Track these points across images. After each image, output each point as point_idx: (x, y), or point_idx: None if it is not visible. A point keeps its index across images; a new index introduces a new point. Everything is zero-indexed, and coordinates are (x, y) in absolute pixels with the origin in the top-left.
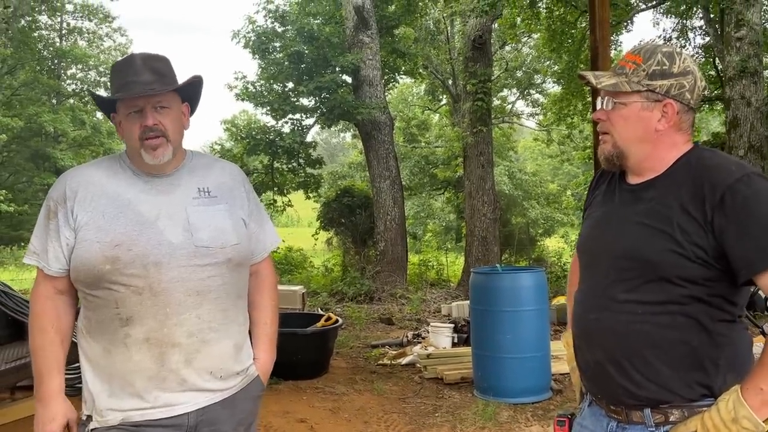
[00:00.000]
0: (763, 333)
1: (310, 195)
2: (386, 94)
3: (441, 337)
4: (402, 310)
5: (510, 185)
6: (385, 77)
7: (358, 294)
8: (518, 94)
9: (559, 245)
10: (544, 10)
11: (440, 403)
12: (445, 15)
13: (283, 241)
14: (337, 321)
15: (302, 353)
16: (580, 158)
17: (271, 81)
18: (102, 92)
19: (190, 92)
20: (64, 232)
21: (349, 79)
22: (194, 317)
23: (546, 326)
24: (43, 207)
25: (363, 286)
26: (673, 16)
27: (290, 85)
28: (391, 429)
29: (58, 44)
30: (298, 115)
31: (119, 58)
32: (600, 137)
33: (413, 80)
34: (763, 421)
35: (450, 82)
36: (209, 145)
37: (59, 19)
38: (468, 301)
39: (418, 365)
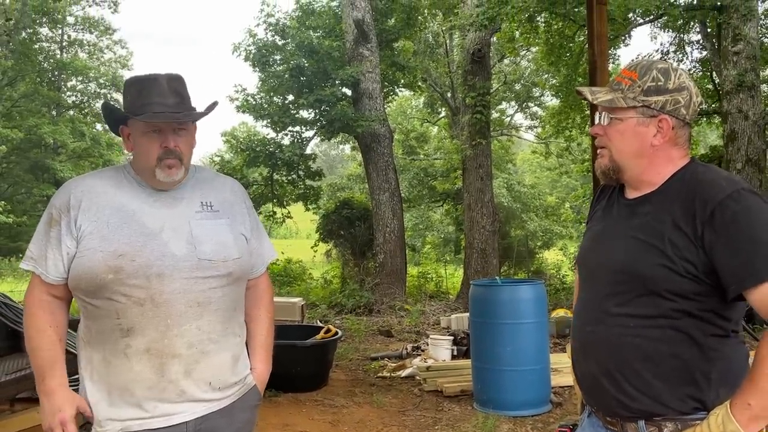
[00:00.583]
0: None
1: (310, 207)
2: (386, 106)
3: (440, 349)
4: (401, 323)
5: (509, 198)
6: (385, 90)
7: (357, 306)
8: (517, 106)
9: (558, 258)
10: (543, 24)
11: (440, 416)
12: (444, 29)
13: (282, 252)
14: (336, 333)
15: (302, 365)
16: (578, 171)
17: (272, 93)
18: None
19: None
20: (66, 240)
21: (348, 92)
22: (194, 328)
23: (545, 339)
24: (44, 214)
25: (362, 298)
26: (671, 30)
27: (290, 97)
28: None
29: (58, 56)
30: (297, 128)
31: (134, 74)
32: (597, 151)
33: (412, 93)
34: None
35: (449, 94)
36: (209, 156)
37: (60, 32)
38: (467, 314)
39: (418, 378)
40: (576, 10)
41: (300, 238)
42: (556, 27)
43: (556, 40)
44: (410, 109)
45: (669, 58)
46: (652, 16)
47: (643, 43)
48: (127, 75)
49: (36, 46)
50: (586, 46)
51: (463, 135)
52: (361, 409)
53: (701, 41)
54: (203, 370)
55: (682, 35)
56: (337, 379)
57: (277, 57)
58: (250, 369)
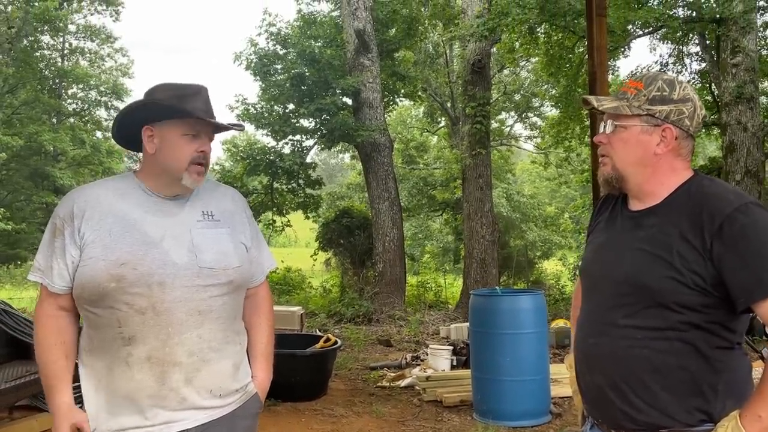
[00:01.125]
0: (762, 358)
1: (309, 215)
2: (386, 116)
3: (440, 359)
4: (400, 332)
5: (508, 207)
6: (385, 99)
7: (356, 315)
8: (516, 117)
9: (557, 268)
10: (543, 36)
11: (439, 426)
12: (444, 39)
13: (282, 261)
14: (336, 342)
15: (301, 375)
16: (577, 181)
17: (272, 102)
18: (102, 112)
19: None
20: (70, 250)
21: (349, 101)
22: (195, 337)
23: (545, 349)
24: (49, 224)
25: (361, 308)
26: (670, 42)
27: (291, 106)
28: None
29: (59, 64)
30: (298, 137)
31: (165, 81)
32: (600, 160)
33: (412, 103)
34: None
35: (449, 104)
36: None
37: (61, 39)
38: (466, 323)
39: (417, 388)
40: (576, 21)
41: (299, 247)
42: (555, 38)
43: (556, 51)
44: (410, 118)
45: (668, 70)
46: (651, 28)
47: (642, 54)
48: (127, 83)
49: (37, 54)
50: (586, 57)
51: (463, 145)
52: (361, 419)
53: (700, 53)
54: (204, 377)
55: (681, 47)
56: (336, 389)
57: (278, 66)
58: (251, 377)
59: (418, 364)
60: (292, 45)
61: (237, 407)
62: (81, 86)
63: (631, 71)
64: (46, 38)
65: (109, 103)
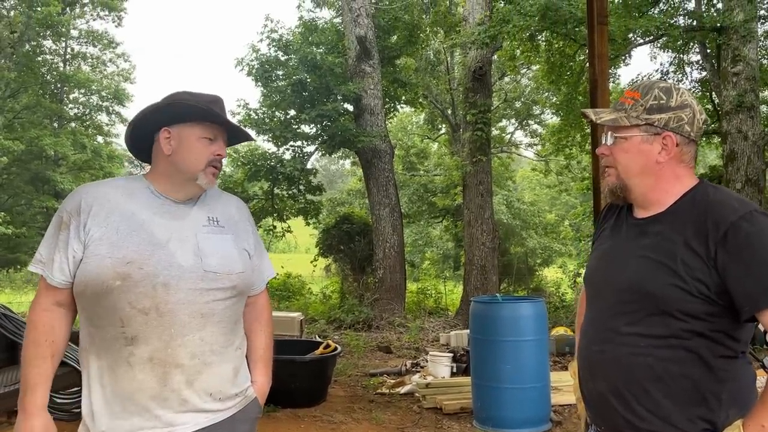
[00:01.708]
0: (763, 366)
1: (310, 221)
2: (387, 122)
3: (440, 366)
4: (400, 339)
5: (508, 215)
6: (386, 106)
7: (356, 321)
8: (517, 124)
9: (557, 275)
10: (544, 43)
11: None
12: (445, 46)
13: (282, 267)
14: (335, 349)
15: (300, 381)
16: (578, 189)
17: (274, 108)
18: (103, 117)
19: None
20: (73, 244)
21: (350, 108)
22: (197, 339)
23: (546, 356)
24: (54, 217)
25: (361, 314)
26: (670, 50)
27: (292, 112)
28: None
29: (61, 69)
30: (299, 142)
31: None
32: (605, 171)
33: (413, 109)
34: None
35: (449, 111)
36: None
37: (64, 44)
38: (466, 330)
39: (417, 395)
40: (577, 29)
41: (299, 253)
42: (557, 46)
43: (557, 58)
44: (411, 125)
45: (668, 79)
46: (651, 37)
47: (642, 63)
48: (129, 88)
49: (39, 59)
50: (587, 65)
51: (463, 152)
52: (360, 425)
53: (701, 62)
54: (205, 380)
55: (681, 56)
56: (335, 395)
57: (280, 72)
58: (251, 382)
59: (418, 371)
60: (294, 51)
61: (237, 411)
62: (82, 91)
63: (632, 79)
64: (48, 43)
65: (111, 108)
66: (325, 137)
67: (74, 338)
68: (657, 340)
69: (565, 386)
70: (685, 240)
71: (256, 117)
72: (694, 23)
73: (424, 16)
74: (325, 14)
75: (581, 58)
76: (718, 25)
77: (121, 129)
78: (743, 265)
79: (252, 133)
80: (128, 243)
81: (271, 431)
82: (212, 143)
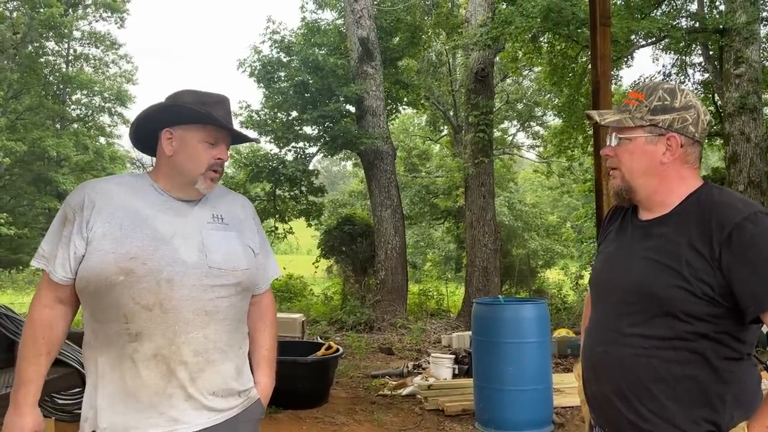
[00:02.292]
0: (767, 369)
1: (311, 223)
2: (389, 124)
3: (442, 368)
4: (402, 340)
5: (510, 216)
6: (388, 107)
7: (357, 323)
8: (519, 126)
9: (559, 277)
10: (546, 45)
11: None
12: (447, 48)
13: (284, 268)
14: (338, 350)
15: (302, 382)
16: (580, 191)
17: (276, 110)
18: (106, 118)
19: None
20: (76, 240)
21: (352, 109)
22: (201, 336)
23: (548, 358)
24: (59, 212)
25: (363, 315)
26: (673, 52)
27: (294, 113)
28: None
29: (64, 70)
30: (301, 144)
31: (184, 88)
32: (610, 172)
33: (415, 111)
34: None
35: (451, 113)
36: None
37: (66, 46)
38: (468, 332)
39: (419, 396)
40: (579, 31)
41: (301, 254)
42: (559, 47)
43: (559, 60)
44: (413, 126)
45: (671, 80)
46: (654, 38)
47: (645, 65)
48: (132, 90)
49: (42, 60)
50: (589, 66)
51: (465, 153)
52: (362, 427)
53: (703, 63)
54: (208, 378)
55: (684, 57)
56: (337, 397)
57: (282, 73)
58: (254, 383)
59: (420, 373)
60: (296, 52)
61: (239, 412)
62: (85, 92)
63: (634, 81)
64: (50, 44)
65: (113, 110)
66: (327, 138)
67: (76, 339)
68: (661, 341)
69: (567, 388)
70: (690, 241)
71: (258, 118)
72: (697, 25)
73: (426, 18)
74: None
75: (583, 59)
76: (721, 26)
77: (123, 130)
78: (748, 266)
79: (254, 134)
80: (132, 239)
81: None
82: (213, 147)
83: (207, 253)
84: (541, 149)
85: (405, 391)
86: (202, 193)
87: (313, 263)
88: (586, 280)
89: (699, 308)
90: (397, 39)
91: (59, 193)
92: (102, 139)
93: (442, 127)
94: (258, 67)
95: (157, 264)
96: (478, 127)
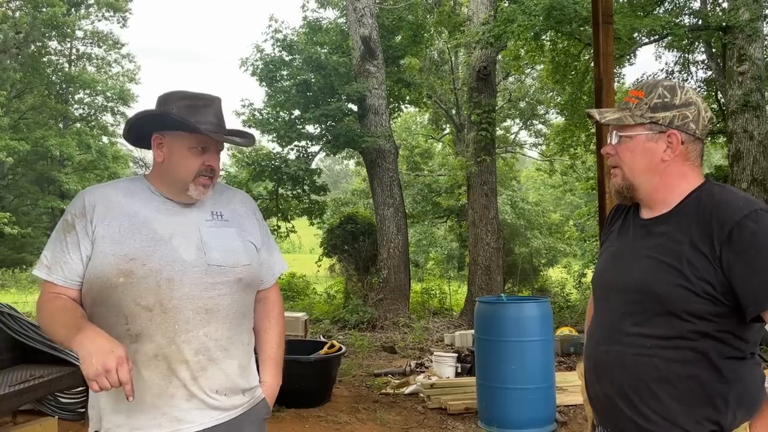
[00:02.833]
0: None
1: (314, 221)
2: (391, 122)
3: (444, 366)
4: (405, 339)
5: (512, 215)
6: (390, 106)
7: (360, 322)
8: (521, 124)
9: (562, 276)
10: (548, 43)
11: None
12: (450, 46)
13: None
14: (340, 349)
15: (305, 381)
16: (582, 189)
17: (278, 108)
18: (108, 117)
19: None
20: (84, 243)
21: (354, 108)
22: (202, 335)
23: (551, 357)
24: (59, 222)
25: (365, 314)
26: (676, 50)
27: (296, 112)
28: None
29: (66, 69)
30: (303, 143)
31: (176, 89)
32: (611, 171)
33: (417, 109)
34: None
35: (453, 111)
36: None
37: (69, 45)
38: (471, 331)
39: (422, 395)
40: (582, 28)
41: (304, 253)
42: (561, 45)
43: (562, 58)
44: (415, 125)
45: (674, 78)
46: (657, 36)
47: (648, 62)
48: (134, 89)
49: (45, 59)
50: (592, 64)
51: (468, 152)
52: (365, 425)
53: (706, 61)
54: (210, 377)
55: (687, 55)
56: (340, 396)
57: (284, 72)
58: (260, 382)
59: (423, 371)
60: (298, 51)
61: (244, 412)
62: (88, 92)
63: (637, 79)
64: (53, 44)
65: (116, 109)
66: (329, 137)
67: None
68: (663, 341)
69: (570, 387)
70: (691, 240)
71: (261, 117)
72: (700, 22)
73: (428, 16)
74: (330, 14)
75: (586, 57)
76: (724, 24)
77: None
78: (748, 265)
79: (256, 133)
80: (131, 240)
81: (276, 431)
82: (203, 154)
83: (206, 251)
84: (544, 147)
85: (408, 390)
86: (195, 199)
87: (316, 262)
88: (589, 279)
89: (701, 307)
90: (399, 37)
91: (62, 193)
92: (105, 139)
93: (444, 126)
94: (260, 66)
95: (156, 264)
96: (481, 125)
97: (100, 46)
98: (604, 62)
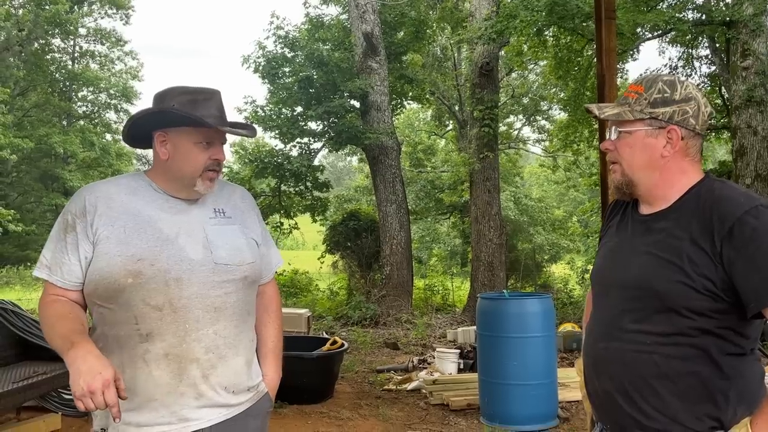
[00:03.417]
0: None
1: (317, 218)
2: (393, 119)
3: (447, 362)
4: (407, 335)
5: (516, 211)
6: (393, 102)
7: (363, 318)
8: (524, 120)
9: (565, 272)
10: (551, 38)
11: (446, 430)
12: (452, 42)
13: (289, 263)
14: (342, 345)
15: (307, 377)
16: (586, 185)
17: (280, 105)
18: (112, 114)
19: None
20: (83, 245)
21: (357, 104)
22: (212, 333)
23: (553, 353)
24: (58, 220)
25: (368, 310)
26: (679, 45)
27: (299, 109)
28: None
29: (70, 67)
30: (306, 139)
31: (174, 85)
32: (610, 167)
33: (420, 106)
34: None
35: (456, 107)
36: None
37: (72, 42)
38: (473, 327)
39: (424, 391)
40: (584, 24)
41: (307, 249)
42: (564, 41)
43: (565, 54)
44: (418, 121)
45: (677, 73)
46: (660, 31)
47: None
48: (137, 86)
49: (48, 57)
50: (595, 60)
51: (470, 148)
52: (367, 421)
53: (710, 56)
54: (220, 374)
55: (690, 50)
56: (342, 392)
57: (287, 69)
58: (262, 375)
59: (425, 368)
60: (300, 48)
61: (249, 407)
62: (91, 89)
63: (640, 74)
64: (56, 41)
65: (119, 106)
66: (331, 134)
67: None
68: (663, 337)
69: (572, 383)
70: (691, 236)
71: (263, 114)
72: (703, 17)
73: (430, 12)
74: (332, 11)
75: (589, 53)
76: (727, 19)
77: None
78: (749, 261)
79: (258, 130)
80: (137, 240)
81: (278, 427)
82: (208, 148)
83: (212, 250)
84: (547, 143)
85: (410, 386)
86: (201, 194)
87: (319, 258)
88: None
89: (701, 304)
90: (402, 33)
91: (66, 190)
92: (108, 136)
93: (447, 122)
94: (262, 63)
95: (164, 264)
96: (483, 121)
97: (103, 44)
98: (606, 58)
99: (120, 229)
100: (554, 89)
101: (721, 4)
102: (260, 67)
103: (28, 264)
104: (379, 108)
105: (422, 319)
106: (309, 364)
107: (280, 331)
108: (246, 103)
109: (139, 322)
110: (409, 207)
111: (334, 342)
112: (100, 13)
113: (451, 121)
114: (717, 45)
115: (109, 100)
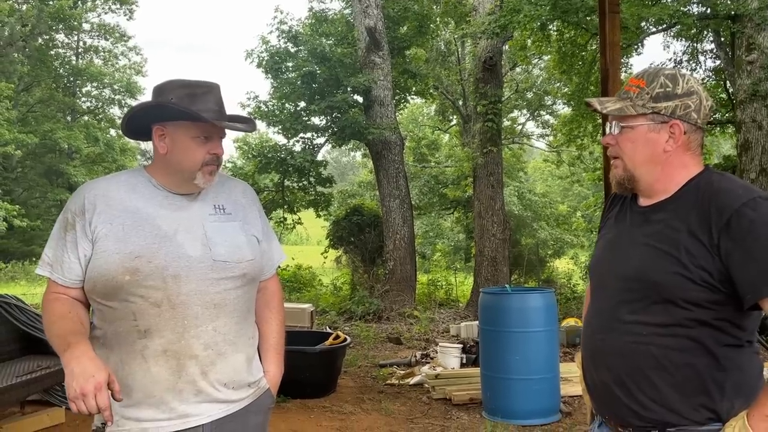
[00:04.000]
0: None
1: (320, 213)
2: (397, 114)
3: (449, 357)
4: (410, 330)
5: (519, 206)
6: (396, 97)
7: (366, 313)
8: (528, 115)
9: (569, 267)
10: (555, 33)
11: (448, 424)
12: (456, 37)
13: (293, 258)
14: (345, 339)
15: (310, 372)
16: (590, 180)
17: (284, 100)
18: (116, 110)
19: None
20: (82, 243)
21: (360, 99)
22: (211, 330)
23: (555, 348)
24: (59, 218)
25: (371, 305)
26: (684, 39)
27: (302, 104)
28: None
29: (74, 62)
30: (309, 134)
31: (174, 78)
32: (611, 162)
33: (424, 100)
34: None
35: (460, 102)
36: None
37: (76, 38)
38: (476, 322)
39: (427, 385)
40: (588, 18)
41: (310, 245)
42: (568, 35)
43: (568, 48)
44: (421, 116)
45: (682, 68)
46: (664, 25)
47: (655, 52)
48: (141, 81)
49: (52, 52)
50: (599, 54)
51: (474, 143)
52: (370, 416)
53: (715, 50)
54: (219, 371)
55: (695, 44)
56: (345, 386)
57: (290, 64)
58: (263, 371)
59: (428, 362)
60: (304, 43)
61: (250, 402)
62: (95, 84)
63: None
64: (60, 36)
65: (123, 101)
66: (335, 129)
67: None
68: (660, 328)
69: (575, 377)
70: (689, 228)
71: (266, 109)
72: (708, 11)
73: (434, 6)
74: (335, 5)
75: (593, 47)
76: (732, 12)
77: None
78: (746, 252)
79: (261, 125)
80: (135, 238)
81: (281, 422)
82: (206, 142)
83: (211, 247)
84: (551, 138)
85: (413, 381)
86: (201, 188)
87: (322, 254)
88: None
89: (698, 295)
90: (405, 28)
91: (71, 186)
92: (112, 131)
93: (451, 117)
94: (266, 58)
95: (162, 261)
96: (487, 116)
97: (107, 39)
98: (610, 52)
99: (118, 226)
100: (558, 84)
101: None
102: (263, 62)
103: (33, 259)
104: (383, 103)
105: (425, 314)
106: (312, 359)
107: (282, 327)
108: (249, 98)
109: (137, 318)
110: (413, 202)
111: (337, 337)
112: (103, 8)
113: (454, 116)
114: (722, 39)
115: (113, 96)
